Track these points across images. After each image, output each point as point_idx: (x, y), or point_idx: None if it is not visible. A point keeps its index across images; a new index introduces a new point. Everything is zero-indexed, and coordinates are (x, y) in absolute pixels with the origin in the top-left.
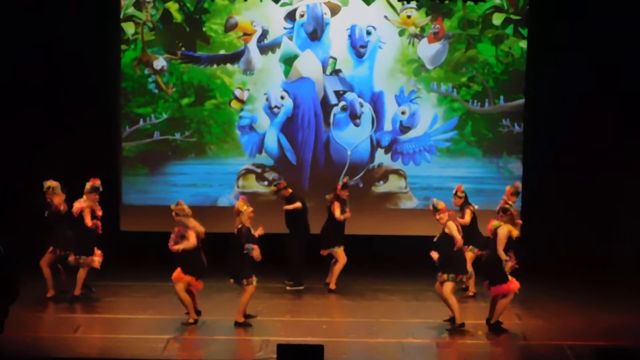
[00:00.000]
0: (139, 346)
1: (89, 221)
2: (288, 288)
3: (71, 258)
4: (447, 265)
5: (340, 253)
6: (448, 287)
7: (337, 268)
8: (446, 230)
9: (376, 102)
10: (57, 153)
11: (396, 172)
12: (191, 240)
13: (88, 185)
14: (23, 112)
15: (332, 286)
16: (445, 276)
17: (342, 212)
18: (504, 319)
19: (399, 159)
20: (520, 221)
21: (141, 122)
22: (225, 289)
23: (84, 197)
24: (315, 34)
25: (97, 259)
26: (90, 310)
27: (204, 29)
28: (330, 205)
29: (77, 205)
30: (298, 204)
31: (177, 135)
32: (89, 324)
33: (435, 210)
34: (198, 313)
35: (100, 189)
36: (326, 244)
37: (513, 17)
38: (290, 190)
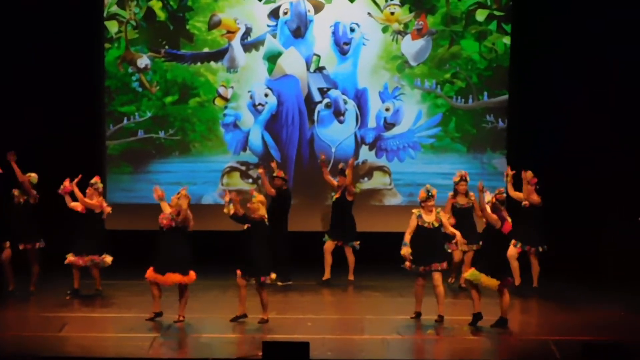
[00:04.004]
0: (125, 345)
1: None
2: (279, 284)
3: (82, 260)
4: (439, 255)
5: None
6: (440, 277)
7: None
8: (443, 220)
9: (360, 99)
10: (41, 152)
11: (380, 168)
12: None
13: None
14: (8, 111)
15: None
16: (438, 265)
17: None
18: (490, 315)
19: (384, 155)
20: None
21: (125, 121)
22: (211, 287)
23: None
24: (299, 31)
25: (108, 258)
26: (76, 309)
27: (187, 26)
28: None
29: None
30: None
31: (161, 134)
32: (74, 323)
33: (430, 196)
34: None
35: (94, 186)
36: (347, 237)
37: (496, 13)
38: (284, 186)
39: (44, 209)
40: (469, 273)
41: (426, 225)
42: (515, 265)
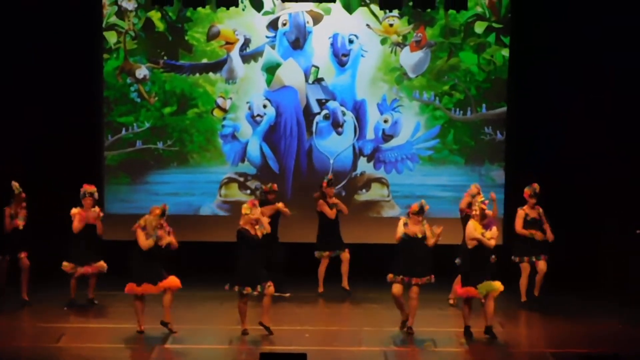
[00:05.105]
0: (122, 356)
1: (75, 225)
2: (277, 294)
3: (90, 268)
4: (421, 269)
5: (345, 255)
6: (417, 290)
7: (346, 269)
8: (428, 234)
9: (358, 110)
10: (39, 162)
11: (379, 180)
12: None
13: (81, 191)
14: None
15: (347, 287)
16: (418, 280)
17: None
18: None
19: (382, 167)
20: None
21: (123, 131)
22: (208, 298)
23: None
24: (298, 42)
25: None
26: (73, 319)
27: (186, 37)
28: (319, 207)
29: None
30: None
31: (160, 144)
32: (71, 334)
33: (422, 211)
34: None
35: (94, 195)
36: (330, 246)
37: (495, 25)
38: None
39: (41, 215)
40: (481, 287)
41: (410, 233)
42: (525, 282)
